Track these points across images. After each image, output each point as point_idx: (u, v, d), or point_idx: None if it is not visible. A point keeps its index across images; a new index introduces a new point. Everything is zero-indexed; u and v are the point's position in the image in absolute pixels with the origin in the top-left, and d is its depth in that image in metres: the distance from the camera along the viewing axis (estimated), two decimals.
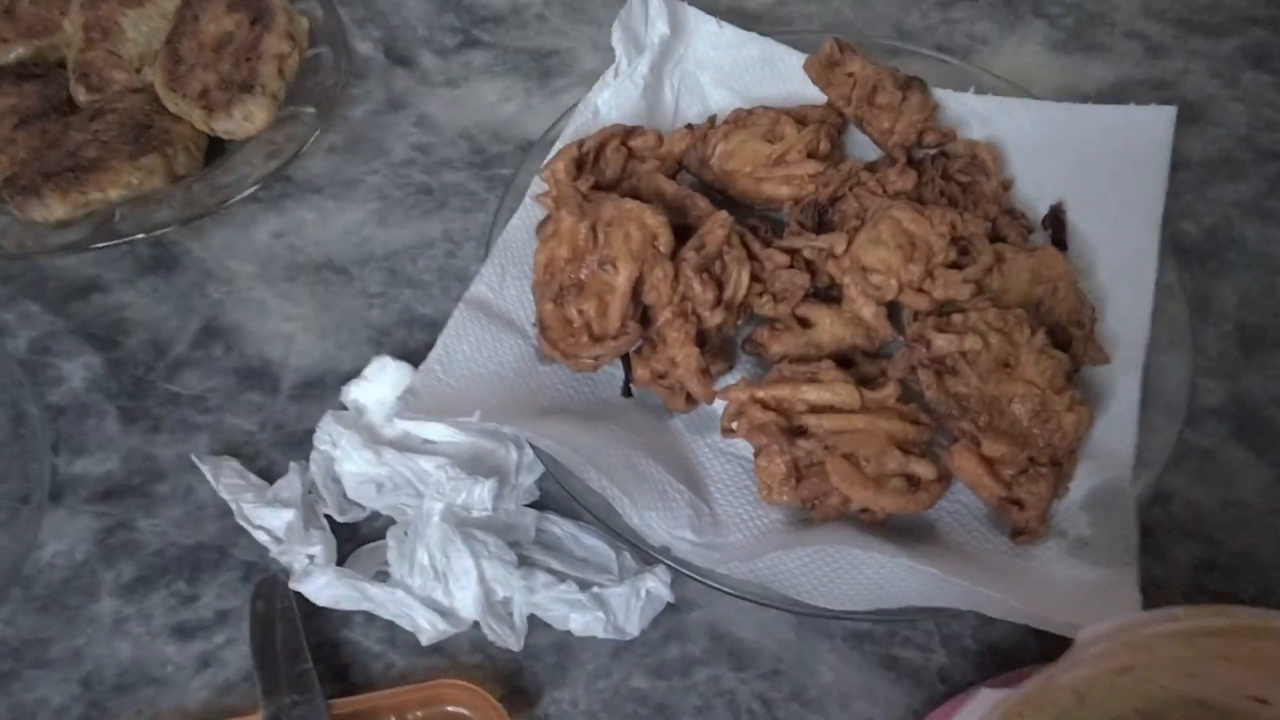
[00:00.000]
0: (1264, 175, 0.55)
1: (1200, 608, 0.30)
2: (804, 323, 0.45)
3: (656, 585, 0.40)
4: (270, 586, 0.41)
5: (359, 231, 0.54)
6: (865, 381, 0.43)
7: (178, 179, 0.52)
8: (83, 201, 0.49)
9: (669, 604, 0.41)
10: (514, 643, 0.40)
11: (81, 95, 0.55)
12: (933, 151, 0.52)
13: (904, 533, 0.41)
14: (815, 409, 0.42)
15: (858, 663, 0.40)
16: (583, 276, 0.43)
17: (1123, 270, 0.48)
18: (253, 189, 0.51)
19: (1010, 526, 0.40)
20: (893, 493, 0.40)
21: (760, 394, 0.42)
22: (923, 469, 0.40)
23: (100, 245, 0.49)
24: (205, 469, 0.44)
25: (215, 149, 0.55)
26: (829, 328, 0.45)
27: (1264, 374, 0.48)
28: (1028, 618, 0.36)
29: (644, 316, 0.44)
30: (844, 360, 0.44)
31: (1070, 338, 0.44)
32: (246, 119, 0.52)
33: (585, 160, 0.49)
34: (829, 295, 0.47)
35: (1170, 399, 0.44)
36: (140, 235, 0.49)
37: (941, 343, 0.41)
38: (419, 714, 0.39)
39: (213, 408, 0.48)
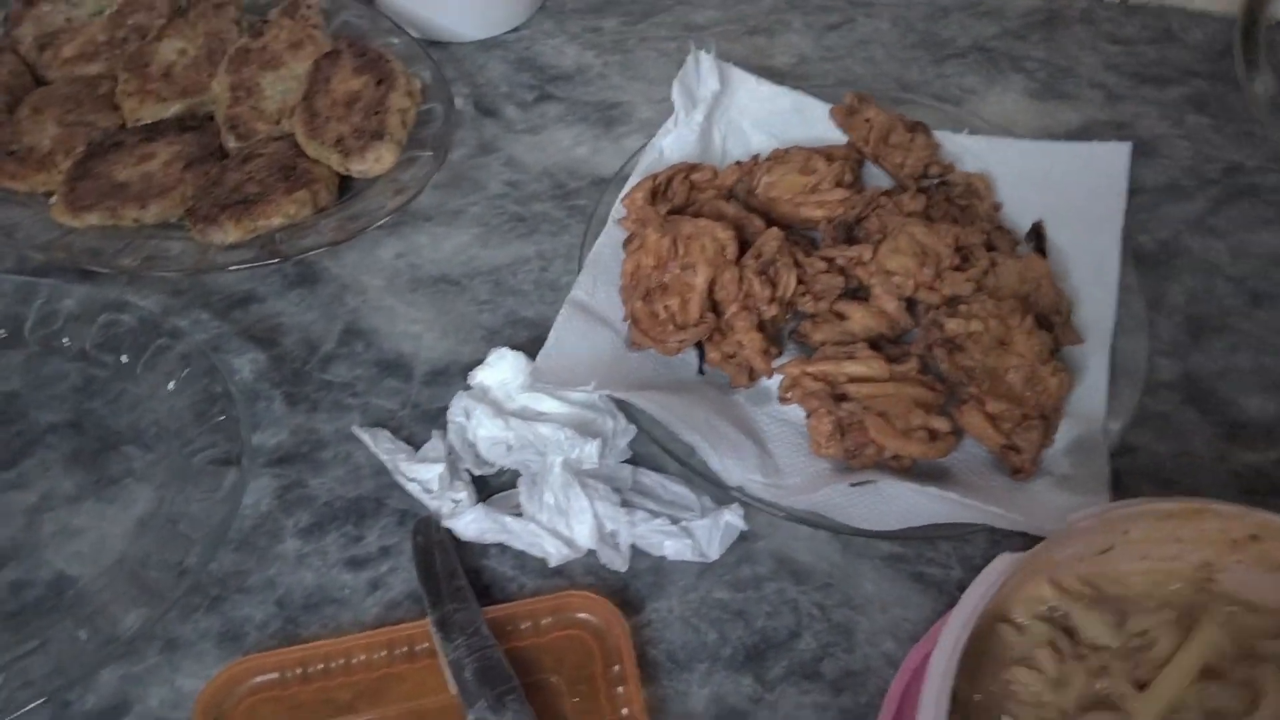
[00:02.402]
0: (1205, 198, 0.67)
1: (1158, 498, 0.40)
2: (839, 316, 0.57)
3: (733, 517, 0.51)
4: (427, 524, 0.52)
5: (466, 251, 0.65)
6: (891, 359, 0.54)
7: (320, 211, 0.64)
8: (252, 228, 0.61)
9: (742, 533, 0.52)
10: (620, 565, 0.51)
11: (231, 143, 0.67)
12: (936, 181, 0.64)
13: (926, 475, 0.52)
14: (854, 380, 0.53)
15: (892, 577, 0.51)
16: (666, 280, 0.55)
17: (1092, 273, 0.60)
18: (387, 217, 0.62)
19: (1010, 468, 0.51)
20: (917, 442, 0.51)
21: (809, 369, 0.53)
22: (940, 423, 0.51)
23: (267, 263, 0.60)
24: (364, 436, 0.55)
25: (345, 186, 0.66)
26: (860, 319, 0.56)
27: (1207, 354, 0.59)
28: (1026, 528, 0.47)
29: (715, 310, 0.55)
30: (873, 345, 0.56)
31: (1052, 324, 0.55)
32: (378, 161, 0.64)
33: (658, 190, 0.61)
34: (858, 294, 0.58)
35: (1132, 373, 0.56)
36: (298, 256, 0.60)
37: (952, 326, 0.53)
38: (549, 619, 0.49)
39: (360, 392, 0.58)
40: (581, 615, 0.49)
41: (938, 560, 0.51)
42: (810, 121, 0.69)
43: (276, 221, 0.61)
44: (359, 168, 0.64)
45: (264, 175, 0.63)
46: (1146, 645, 0.40)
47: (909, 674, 0.44)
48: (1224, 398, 0.57)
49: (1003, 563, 0.38)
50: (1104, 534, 0.41)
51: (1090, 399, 0.54)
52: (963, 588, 0.38)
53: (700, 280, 0.54)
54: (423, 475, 0.52)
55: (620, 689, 0.47)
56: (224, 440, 0.53)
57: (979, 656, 0.41)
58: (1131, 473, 0.54)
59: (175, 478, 0.53)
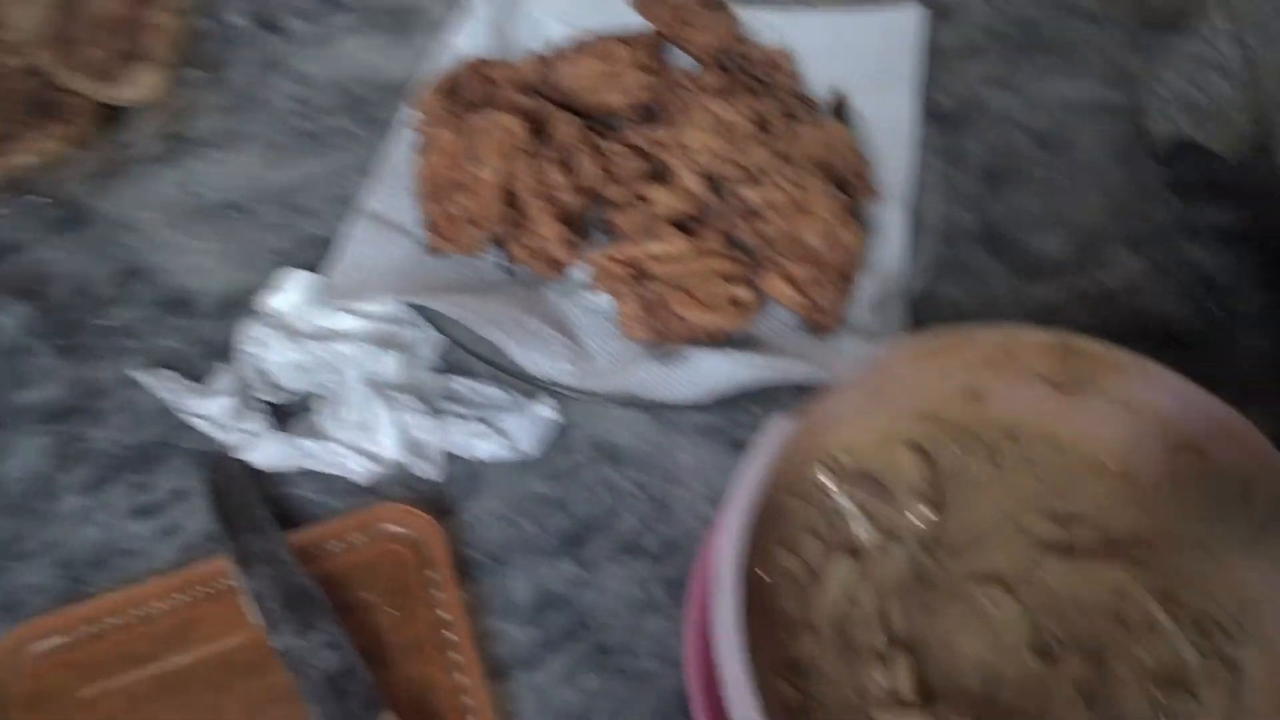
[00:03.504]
0: (999, 55, 0.68)
1: (923, 334, 0.40)
2: (644, 199, 0.55)
3: (543, 410, 0.50)
4: (220, 459, 0.49)
5: (252, 175, 0.61)
6: (696, 235, 0.53)
7: (81, 145, 0.58)
8: (2, 168, 0.55)
9: (560, 425, 0.50)
10: (435, 474, 0.49)
11: None
12: (736, 58, 0.63)
13: (738, 345, 0.51)
14: (657, 259, 0.52)
15: (708, 447, 0.50)
16: (460, 178, 0.52)
17: (890, 134, 0.59)
18: (154, 147, 0.57)
19: (812, 325, 0.51)
20: (722, 312, 0.50)
21: (613, 253, 0.52)
22: (743, 292, 0.51)
23: (21, 203, 0.55)
24: (143, 378, 0.51)
25: (115, 119, 0.61)
26: (665, 201, 0.55)
27: (1004, 204, 0.60)
28: (831, 380, 0.47)
29: (514, 205, 0.53)
30: (681, 226, 0.55)
31: (850, 186, 0.55)
32: (140, 85, 0.59)
33: (451, 90, 0.58)
34: (662, 177, 0.57)
35: (934, 226, 0.56)
36: (54, 197, 0.55)
37: (751, 195, 0.52)
38: (361, 537, 0.47)
39: (142, 334, 0.54)
40: (393, 528, 0.47)
41: (751, 424, 0.51)
42: (608, 10, 0.66)
43: (30, 160, 0.56)
44: (119, 94, 0.59)
45: (12, 111, 0.58)
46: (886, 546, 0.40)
47: (709, 542, 0.44)
48: (1017, 240, 0.58)
49: (777, 425, 0.38)
50: (877, 380, 0.40)
51: (891, 254, 0.54)
52: None
53: (492, 174, 0.51)
54: (209, 409, 0.49)
55: (438, 593, 0.45)
56: None
57: (763, 539, 0.40)
58: (934, 319, 0.54)
59: None
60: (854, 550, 0.39)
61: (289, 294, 0.53)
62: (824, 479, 0.40)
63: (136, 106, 0.60)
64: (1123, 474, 0.41)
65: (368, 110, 0.64)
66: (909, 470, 0.41)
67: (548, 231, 0.52)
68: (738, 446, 0.50)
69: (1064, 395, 0.41)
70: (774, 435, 0.37)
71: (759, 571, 0.38)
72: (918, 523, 0.40)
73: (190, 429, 0.50)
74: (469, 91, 0.59)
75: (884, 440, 0.42)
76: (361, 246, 0.53)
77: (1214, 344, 0.55)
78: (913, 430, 0.42)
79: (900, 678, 0.36)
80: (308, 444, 0.48)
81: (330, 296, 0.51)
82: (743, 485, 0.36)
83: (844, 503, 0.40)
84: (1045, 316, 0.54)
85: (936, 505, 0.40)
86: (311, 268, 0.55)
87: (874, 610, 0.38)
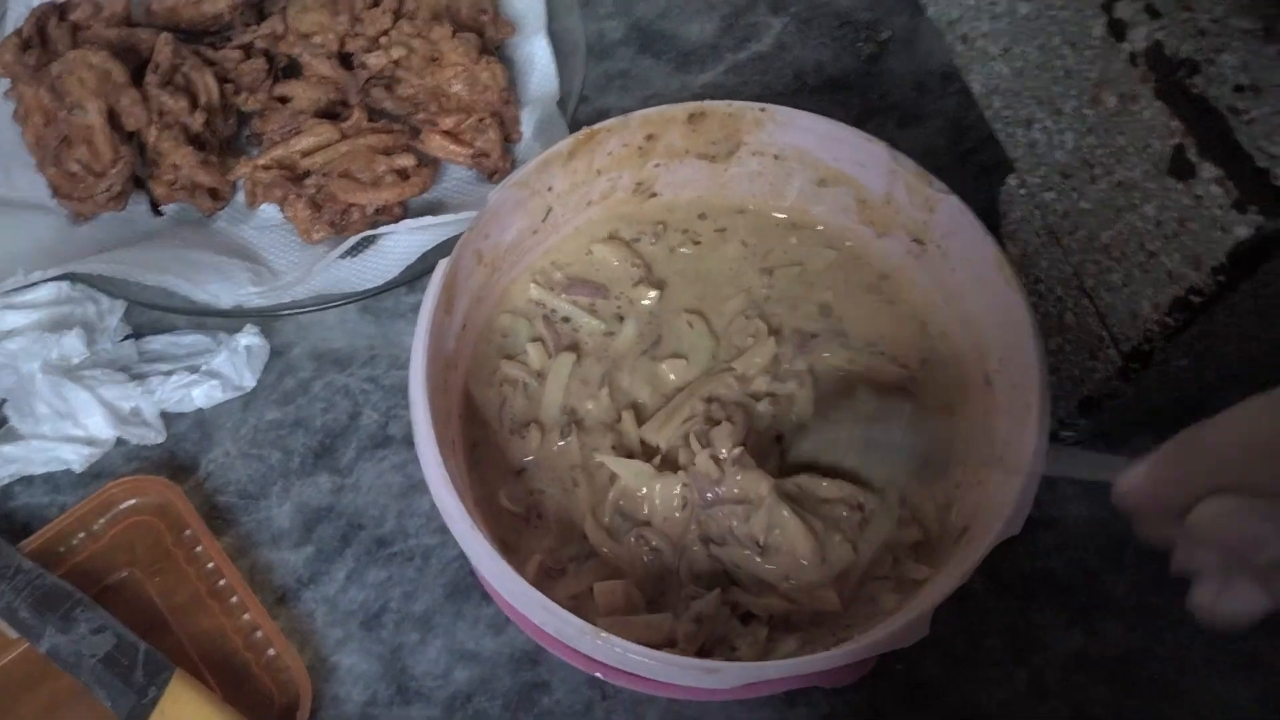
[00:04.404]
0: None
1: (552, 148, 0.41)
2: (283, 100, 0.53)
3: (249, 339, 0.49)
4: None
5: None
6: (341, 119, 0.52)
7: None
8: None
9: (275, 349, 0.49)
10: (155, 437, 0.48)
11: None
12: None
13: (425, 212, 0.51)
14: (308, 153, 0.50)
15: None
16: (65, 131, 0.49)
17: None
18: None
19: (485, 173, 0.52)
20: (390, 187, 0.50)
21: (262, 161, 0.50)
22: (404, 160, 0.50)
23: None
24: None
25: None
26: (304, 94, 0.53)
27: (647, 4, 0.61)
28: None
29: (137, 143, 0.50)
30: (328, 115, 0.53)
31: (479, 26, 0.55)
32: None
33: (30, 44, 0.53)
34: (293, 71, 0.55)
35: (575, 44, 0.57)
36: None
37: (374, 60, 0.51)
38: (102, 521, 0.45)
39: None
40: (131, 501, 0.46)
41: None
42: None
43: None
44: None
45: None
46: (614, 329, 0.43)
47: None
48: (670, 34, 0.60)
49: (441, 267, 0.38)
50: (532, 199, 0.42)
51: (543, 81, 0.55)
52: None
53: (94, 116, 0.48)
54: None
55: (197, 548, 0.45)
56: None
57: (483, 364, 0.42)
58: None
59: None
60: (575, 346, 0.41)
61: None
62: (539, 294, 0.42)
63: None
64: (791, 224, 0.45)
65: None
66: (615, 264, 0.44)
67: (179, 159, 0.50)
68: None
69: (719, 164, 0.44)
70: (438, 271, 0.38)
71: (473, 392, 0.40)
72: (645, 301, 0.42)
73: None
74: (54, 41, 0.54)
75: (581, 247, 0.44)
76: None
77: (870, 76, 0.59)
78: (604, 230, 0.44)
79: (628, 432, 0.39)
80: (9, 449, 0.46)
81: None
82: (422, 320, 0.37)
83: (564, 306, 0.42)
84: (712, 98, 0.57)
85: (656, 285, 0.43)
86: None
87: (600, 385, 0.41)
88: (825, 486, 0.38)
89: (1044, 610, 0.43)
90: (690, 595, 0.38)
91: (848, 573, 0.37)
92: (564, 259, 0.43)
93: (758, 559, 0.37)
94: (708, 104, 0.41)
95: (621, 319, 0.42)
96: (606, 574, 0.38)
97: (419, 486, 0.47)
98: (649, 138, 0.42)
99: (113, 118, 0.49)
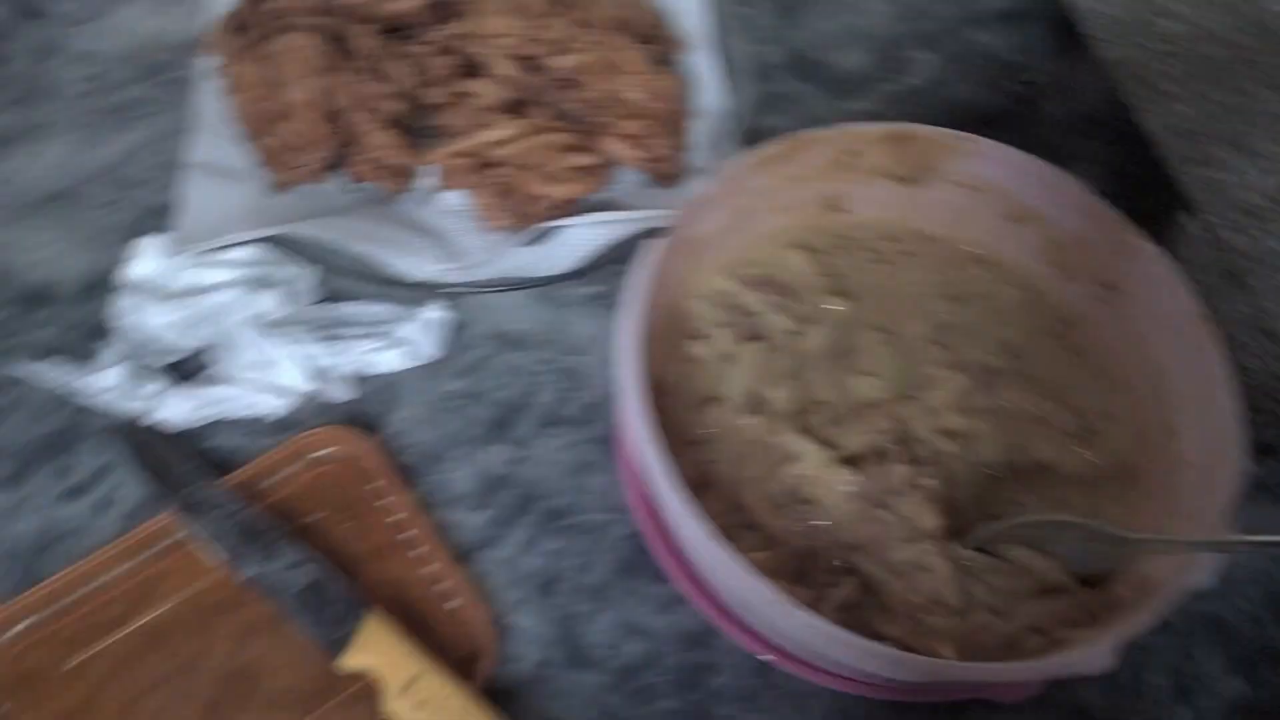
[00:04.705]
0: None
1: (762, 144, 0.44)
2: (466, 95, 0.57)
3: (436, 313, 0.52)
4: (133, 426, 0.49)
5: (70, 160, 0.59)
6: (525, 116, 0.55)
7: None
8: None
9: (453, 324, 0.53)
10: (345, 394, 0.51)
11: None
12: None
13: (599, 209, 0.55)
14: (497, 145, 0.54)
15: (600, 314, 0.54)
16: (276, 107, 0.53)
17: None
18: None
19: (657, 177, 0.55)
20: (570, 182, 0.53)
21: (456, 149, 0.54)
22: (583, 159, 0.54)
23: None
24: (28, 373, 0.50)
25: None
26: (486, 91, 0.56)
27: (801, 30, 0.65)
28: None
29: (339, 124, 0.54)
30: (507, 112, 0.57)
31: (654, 38, 0.58)
32: None
33: (239, 26, 0.57)
34: (475, 70, 0.58)
35: (744, 63, 0.61)
36: None
37: (556, 64, 0.55)
38: (295, 466, 0.49)
39: (11, 332, 0.53)
40: (325, 451, 0.49)
41: None
42: None
43: None
44: None
45: None
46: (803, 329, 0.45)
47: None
48: (823, 62, 0.64)
49: (647, 250, 0.42)
50: (733, 196, 0.45)
51: (713, 97, 0.59)
52: None
53: (306, 94, 0.52)
54: (104, 383, 0.49)
55: (386, 499, 0.48)
56: None
57: (671, 343, 0.45)
58: None
59: None
60: (761, 337, 0.44)
61: (148, 260, 0.53)
62: (730, 285, 0.45)
63: None
64: (978, 257, 0.47)
65: (164, 73, 0.63)
66: (805, 270, 0.47)
67: (380, 140, 0.54)
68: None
69: (911, 188, 0.47)
70: (649, 252, 0.41)
71: (662, 368, 0.43)
72: (835, 310, 0.45)
73: (93, 409, 0.50)
74: (258, 24, 0.58)
75: (772, 249, 0.47)
76: (201, 198, 0.53)
77: (1019, 118, 0.62)
78: (795, 237, 0.47)
79: (815, 425, 0.42)
80: (215, 391, 0.49)
81: (184, 247, 0.51)
82: (632, 293, 0.40)
83: (752, 301, 0.45)
84: None
85: (845, 296, 0.46)
86: (159, 234, 0.54)
87: (788, 377, 0.43)
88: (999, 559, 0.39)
89: (1208, 653, 0.45)
90: (826, 582, 0.40)
91: (982, 634, 0.38)
92: (756, 257, 0.46)
93: (898, 583, 0.39)
94: (913, 127, 0.44)
95: (809, 322, 0.45)
96: (759, 545, 0.41)
97: (591, 465, 0.50)
98: (850, 153, 0.45)
99: (322, 98, 0.52)
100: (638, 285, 0.40)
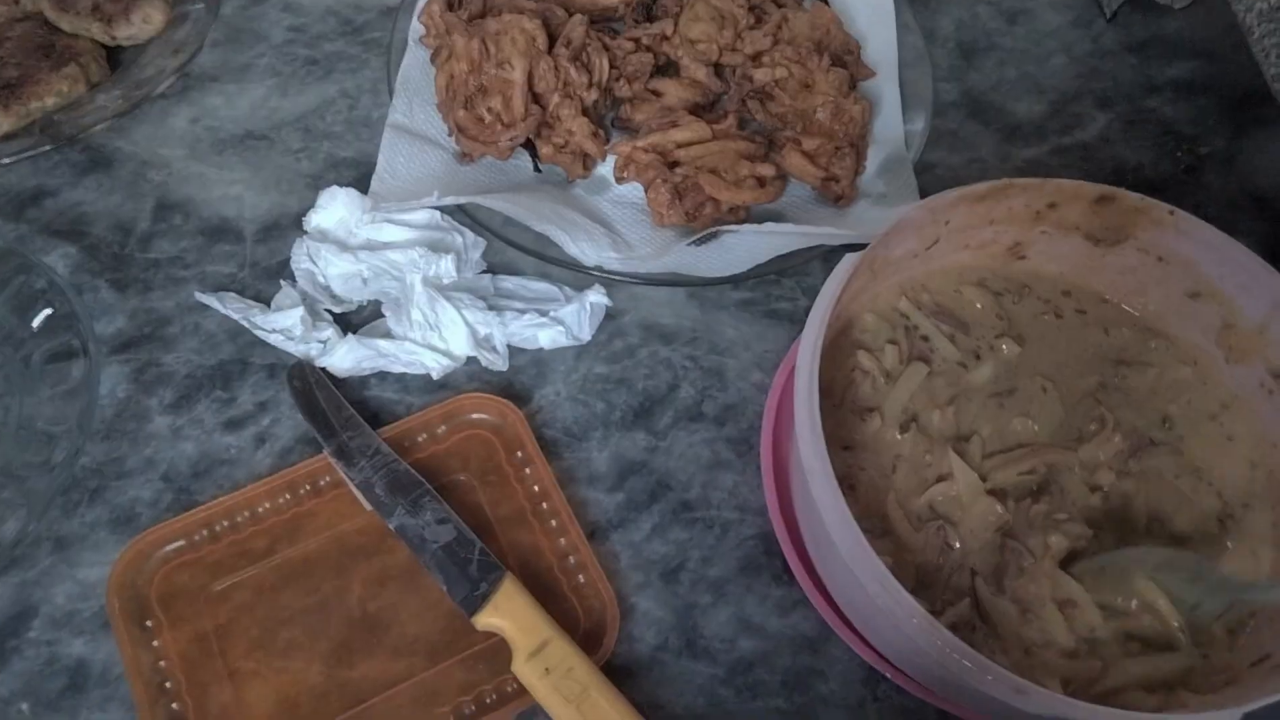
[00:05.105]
0: None
1: (971, 185, 0.45)
2: (655, 94, 0.59)
3: (597, 297, 0.54)
4: (300, 368, 0.51)
5: (265, 104, 0.62)
6: (711, 121, 0.57)
7: (94, 87, 0.59)
8: (24, 112, 0.56)
9: (609, 312, 0.54)
10: (501, 364, 0.53)
11: None
12: None
13: (763, 219, 0.56)
14: (681, 145, 0.55)
15: (748, 319, 0.55)
16: (484, 82, 0.55)
17: (872, 15, 0.64)
18: (170, 80, 0.58)
19: (832, 197, 0.56)
20: (749, 190, 0.54)
21: (640, 144, 0.55)
22: (765, 169, 0.55)
23: (49, 148, 0.55)
24: (211, 301, 0.53)
25: (115, 61, 0.61)
26: (675, 92, 0.58)
27: (980, 73, 0.65)
28: (857, 240, 0.52)
29: (537, 103, 0.56)
30: (692, 113, 0.58)
31: (846, 63, 0.59)
32: (146, 21, 0.59)
33: (453, 4, 0.60)
34: (668, 70, 0.60)
35: (921, 98, 0.61)
36: (83, 135, 0.56)
37: (759, 75, 0.56)
38: (445, 427, 0.51)
39: (191, 263, 0.56)
40: (475, 415, 0.51)
41: (784, 296, 0.56)
42: None
43: (50, 102, 0.57)
44: (126, 33, 0.60)
45: (20, 58, 0.58)
46: (970, 363, 0.46)
47: (779, 388, 0.49)
48: (999, 106, 0.64)
49: (847, 261, 0.43)
50: (930, 226, 0.46)
51: (890, 125, 0.59)
52: None
53: (518, 74, 0.54)
54: (283, 323, 0.52)
55: (527, 470, 0.49)
56: (61, 332, 0.50)
57: (838, 349, 0.46)
58: (933, 185, 0.59)
59: (16, 381, 0.50)
60: (925, 360, 0.45)
61: (331, 211, 0.56)
62: (906, 307, 0.46)
63: (140, 45, 0.60)
64: (1149, 326, 0.47)
65: (364, 33, 0.66)
66: (979, 308, 0.48)
67: (575, 126, 0.55)
68: (774, 316, 0.55)
69: (1099, 249, 0.47)
70: (844, 264, 0.42)
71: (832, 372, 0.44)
72: (1005, 351, 0.46)
73: (260, 345, 0.53)
74: (469, 2, 0.61)
75: (952, 282, 0.48)
76: (396, 158, 0.56)
77: (1186, 186, 0.62)
78: (974, 276, 0.48)
79: (971, 453, 0.43)
80: (382, 344, 0.51)
81: (377, 204, 0.54)
82: (821, 301, 0.41)
83: (927, 326, 0.46)
84: (1033, 174, 0.60)
85: (1017, 340, 0.46)
86: (342, 185, 0.57)
87: (946, 404, 0.44)
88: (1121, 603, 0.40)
89: None
90: (945, 599, 0.41)
91: (1088, 682, 0.39)
92: (935, 286, 0.47)
93: (1015, 615, 0.40)
94: (1120, 191, 0.44)
95: (978, 357, 0.46)
96: (887, 551, 0.42)
97: (724, 464, 0.51)
98: (1050, 205, 0.45)
99: (528, 76, 0.54)
100: (830, 294, 0.41)
